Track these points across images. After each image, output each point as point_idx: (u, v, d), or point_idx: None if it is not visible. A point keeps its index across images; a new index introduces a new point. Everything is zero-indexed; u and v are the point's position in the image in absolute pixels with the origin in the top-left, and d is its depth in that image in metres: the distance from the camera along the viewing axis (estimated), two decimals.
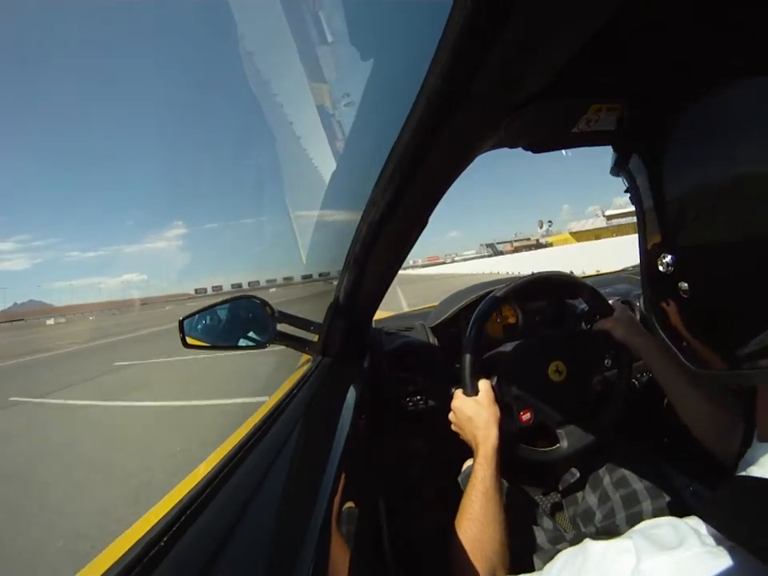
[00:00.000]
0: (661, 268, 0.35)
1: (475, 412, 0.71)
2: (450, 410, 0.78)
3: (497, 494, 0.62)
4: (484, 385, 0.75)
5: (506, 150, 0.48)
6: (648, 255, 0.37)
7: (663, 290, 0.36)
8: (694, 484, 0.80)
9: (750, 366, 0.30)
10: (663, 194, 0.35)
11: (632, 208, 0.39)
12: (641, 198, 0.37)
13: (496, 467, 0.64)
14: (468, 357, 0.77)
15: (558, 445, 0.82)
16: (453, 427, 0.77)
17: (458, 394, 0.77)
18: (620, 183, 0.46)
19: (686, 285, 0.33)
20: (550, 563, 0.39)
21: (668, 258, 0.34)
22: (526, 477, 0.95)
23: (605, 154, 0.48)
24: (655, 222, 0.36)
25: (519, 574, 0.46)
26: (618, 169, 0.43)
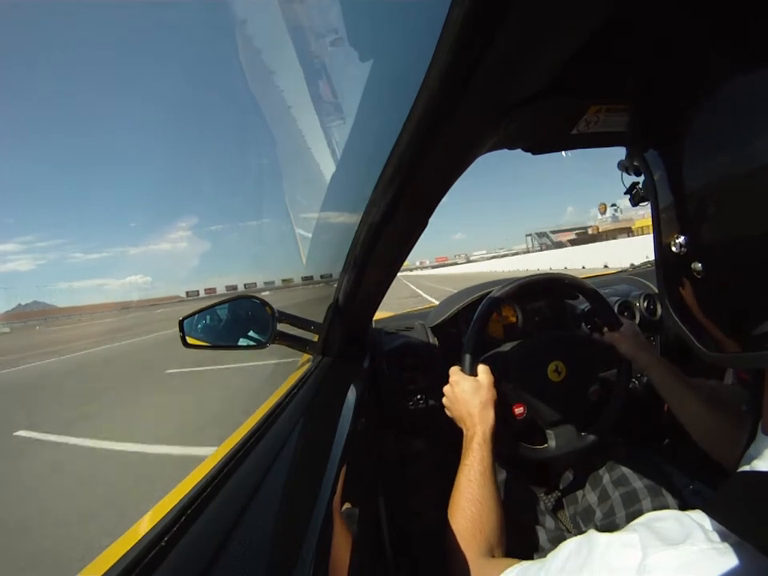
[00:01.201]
0: (674, 249, 0.35)
1: (473, 391, 0.71)
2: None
3: (493, 475, 0.62)
4: (483, 367, 0.75)
5: (505, 151, 0.48)
6: (661, 238, 0.37)
7: (677, 272, 0.36)
8: (694, 483, 0.80)
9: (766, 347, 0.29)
10: (675, 182, 0.35)
11: None
12: (655, 188, 0.37)
13: (492, 449, 0.65)
14: (468, 350, 0.77)
15: (546, 444, 0.82)
16: (444, 400, 0.76)
17: (457, 369, 0.77)
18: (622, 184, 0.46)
19: (699, 265, 0.33)
20: (554, 552, 0.38)
21: (681, 239, 0.34)
22: (527, 474, 0.95)
23: (606, 155, 0.47)
24: (669, 207, 0.36)
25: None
26: (630, 161, 0.43)
